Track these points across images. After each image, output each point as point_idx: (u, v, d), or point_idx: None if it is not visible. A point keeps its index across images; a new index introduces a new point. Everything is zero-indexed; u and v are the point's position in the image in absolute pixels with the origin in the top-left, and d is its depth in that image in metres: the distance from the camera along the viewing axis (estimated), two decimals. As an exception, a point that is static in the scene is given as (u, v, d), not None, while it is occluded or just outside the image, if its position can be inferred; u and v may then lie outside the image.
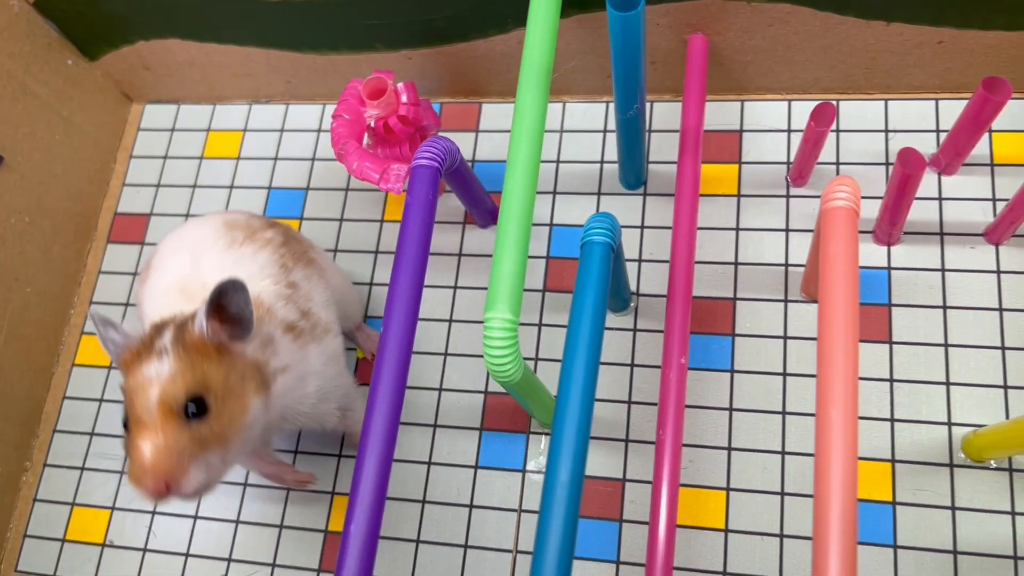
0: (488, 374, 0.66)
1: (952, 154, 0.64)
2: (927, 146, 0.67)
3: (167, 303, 0.53)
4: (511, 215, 0.50)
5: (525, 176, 0.51)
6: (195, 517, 0.68)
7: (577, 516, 0.47)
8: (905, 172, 0.56)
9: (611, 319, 0.66)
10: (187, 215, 0.77)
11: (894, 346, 0.62)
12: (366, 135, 0.65)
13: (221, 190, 0.77)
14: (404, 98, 0.62)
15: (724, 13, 0.62)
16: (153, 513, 0.68)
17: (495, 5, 0.65)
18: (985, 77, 0.56)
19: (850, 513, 0.42)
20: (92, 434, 0.72)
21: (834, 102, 0.69)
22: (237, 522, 0.67)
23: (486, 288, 0.69)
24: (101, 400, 0.73)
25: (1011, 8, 0.59)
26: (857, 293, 0.47)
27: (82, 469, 0.71)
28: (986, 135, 0.66)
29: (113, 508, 0.69)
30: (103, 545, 0.68)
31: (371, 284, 0.72)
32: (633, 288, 0.67)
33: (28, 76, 0.70)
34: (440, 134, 0.73)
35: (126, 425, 0.46)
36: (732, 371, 0.63)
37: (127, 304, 0.75)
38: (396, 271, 0.51)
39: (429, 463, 0.65)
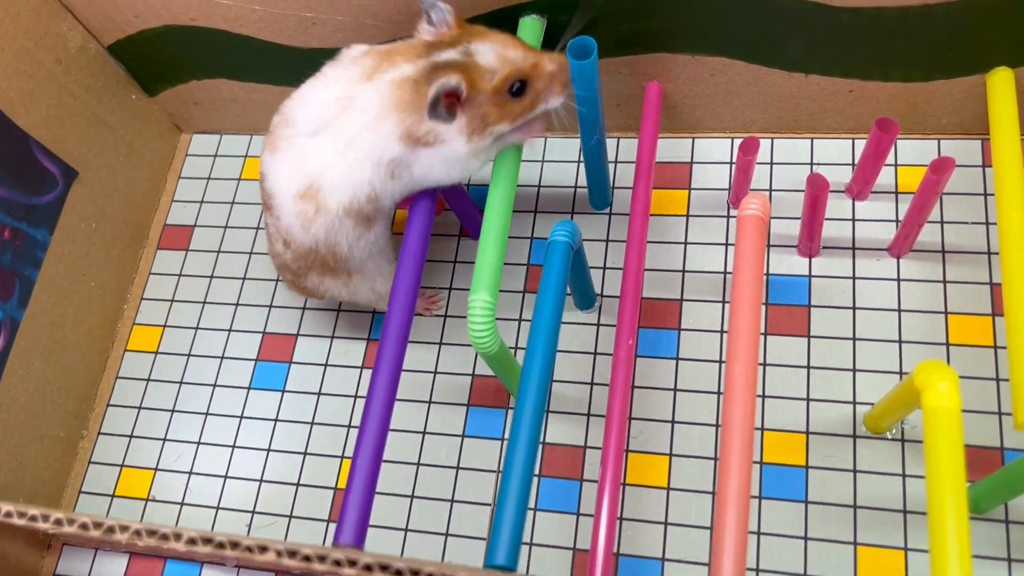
0: (476, 358, 0.79)
1: (862, 182, 0.77)
2: (845, 177, 0.80)
3: None
4: (492, 221, 0.64)
5: (504, 191, 0.65)
6: (225, 477, 0.80)
7: (536, 450, 0.59)
8: (813, 192, 0.69)
9: (579, 315, 0.79)
10: (225, 227, 0.91)
11: (811, 339, 0.74)
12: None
13: (255, 207, 0.91)
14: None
15: (674, 64, 0.76)
16: (189, 474, 0.81)
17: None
18: (877, 119, 0.69)
19: (747, 438, 0.54)
20: (140, 408, 0.85)
21: (769, 139, 0.83)
22: (261, 480, 0.79)
23: (476, 290, 0.82)
24: (148, 380, 0.86)
25: (904, 64, 0.73)
26: (761, 278, 0.60)
27: (130, 437, 0.84)
28: (892, 168, 0.79)
29: (156, 469, 0.82)
30: (147, 500, 0.81)
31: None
32: (598, 291, 0.80)
33: (100, 107, 0.84)
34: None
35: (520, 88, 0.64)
36: (677, 359, 0.76)
37: (172, 300, 0.89)
38: (403, 253, 0.66)
39: (424, 432, 0.78)
